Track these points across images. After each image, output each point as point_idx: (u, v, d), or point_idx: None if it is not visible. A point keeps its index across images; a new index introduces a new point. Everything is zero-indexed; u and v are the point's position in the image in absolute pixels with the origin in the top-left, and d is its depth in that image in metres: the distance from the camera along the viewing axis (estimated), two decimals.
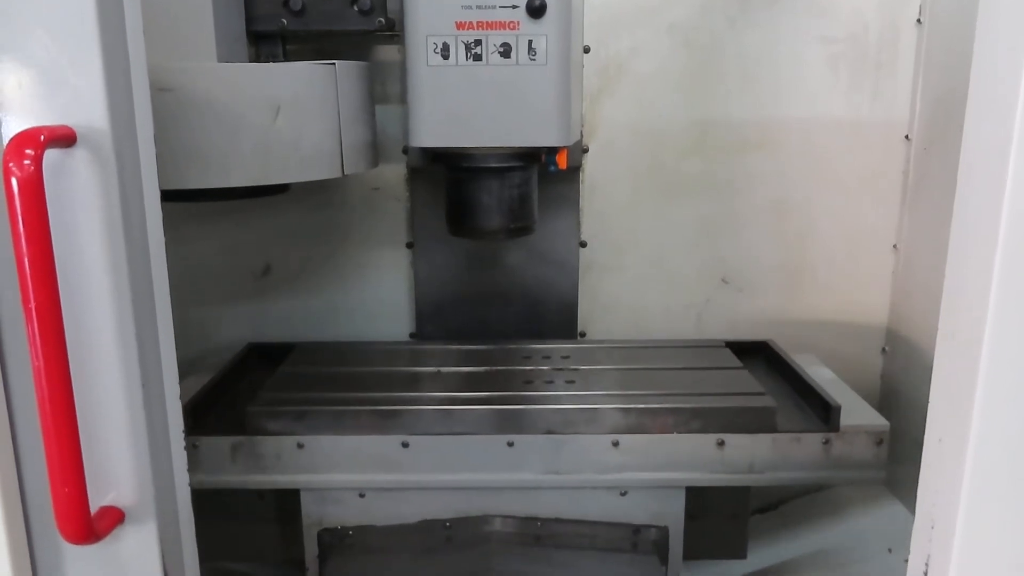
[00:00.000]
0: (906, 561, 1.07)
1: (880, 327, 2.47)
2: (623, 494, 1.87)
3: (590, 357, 2.17)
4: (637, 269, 2.42)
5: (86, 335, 1.08)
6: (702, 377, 2.05)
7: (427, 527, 1.88)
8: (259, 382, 2.05)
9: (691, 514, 1.90)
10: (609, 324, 2.45)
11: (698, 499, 1.94)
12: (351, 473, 1.83)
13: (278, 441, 1.81)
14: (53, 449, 1.03)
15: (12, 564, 1.11)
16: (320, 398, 1.90)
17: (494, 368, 2.11)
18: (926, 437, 1.04)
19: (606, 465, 1.82)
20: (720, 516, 2.06)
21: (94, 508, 1.09)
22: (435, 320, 2.41)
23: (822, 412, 1.90)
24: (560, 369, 2.08)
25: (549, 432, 1.82)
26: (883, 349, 2.47)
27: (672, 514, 1.88)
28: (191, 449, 1.68)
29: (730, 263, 2.43)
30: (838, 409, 1.84)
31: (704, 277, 2.44)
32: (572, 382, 2.00)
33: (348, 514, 1.88)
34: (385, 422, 1.84)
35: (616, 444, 1.81)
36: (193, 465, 1.64)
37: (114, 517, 1.12)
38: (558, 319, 2.40)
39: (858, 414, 1.92)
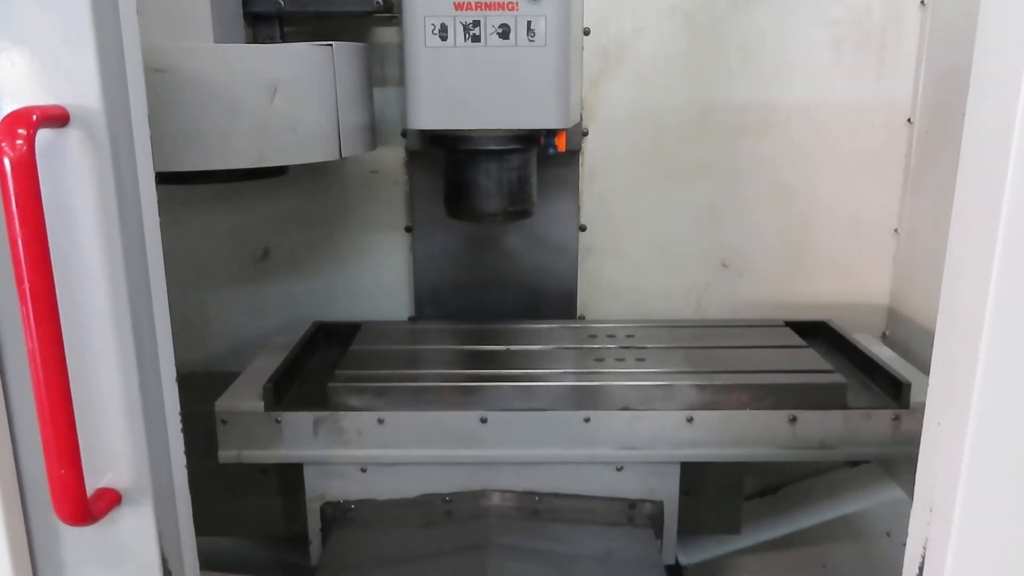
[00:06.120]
0: (904, 544, 1.07)
1: (881, 310, 2.47)
2: (619, 469, 1.92)
3: (654, 336, 2.23)
4: (637, 253, 2.42)
5: (81, 316, 1.07)
6: (768, 355, 2.10)
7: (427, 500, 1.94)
8: (326, 360, 2.16)
9: (685, 490, 1.95)
10: (608, 308, 2.44)
11: (693, 476, 1.99)
12: (430, 448, 1.87)
13: (359, 417, 1.86)
14: (49, 431, 1.03)
15: (9, 546, 1.11)
16: (400, 375, 1.98)
17: (562, 346, 2.17)
18: (925, 420, 1.04)
19: (679, 441, 1.87)
20: (715, 492, 2.13)
21: (91, 490, 1.09)
22: (434, 304, 2.41)
23: (891, 390, 1.94)
24: (628, 347, 2.14)
25: (625, 408, 1.87)
26: (884, 333, 2.47)
27: (667, 489, 1.93)
28: (273, 424, 1.85)
29: (731, 247, 2.42)
30: (908, 386, 1.87)
31: (704, 261, 2.43)
32: (643, 360, 2.06)
33: (350, 488, 1.92)
34: (465, 398, 1.90)
35: (690, 420, 1.86)
36: (274, 440, 1.86)
37: (111, 499, 1.12)
38: (557, 303, 2.39)
39: (924, 391, 1.93)
